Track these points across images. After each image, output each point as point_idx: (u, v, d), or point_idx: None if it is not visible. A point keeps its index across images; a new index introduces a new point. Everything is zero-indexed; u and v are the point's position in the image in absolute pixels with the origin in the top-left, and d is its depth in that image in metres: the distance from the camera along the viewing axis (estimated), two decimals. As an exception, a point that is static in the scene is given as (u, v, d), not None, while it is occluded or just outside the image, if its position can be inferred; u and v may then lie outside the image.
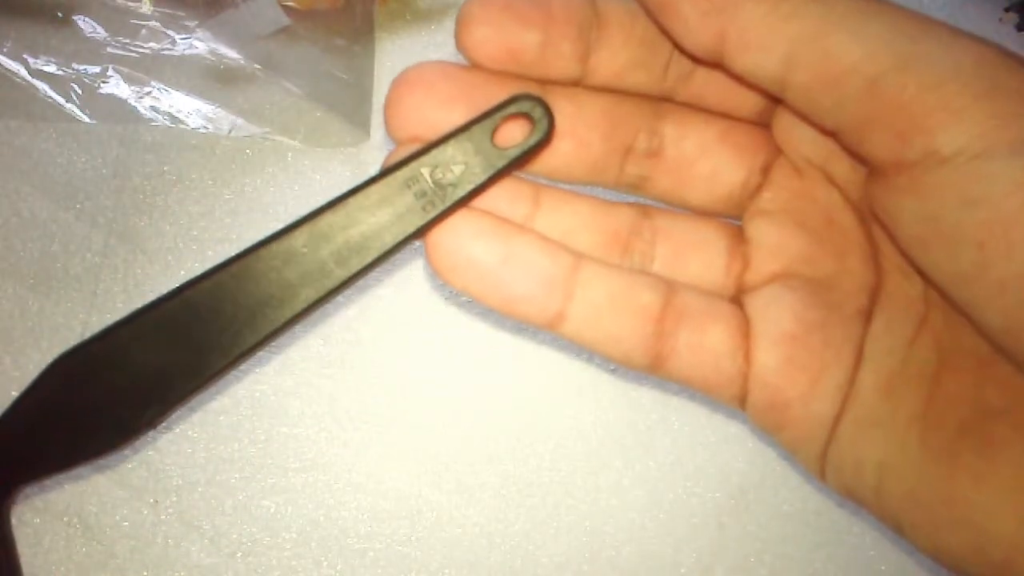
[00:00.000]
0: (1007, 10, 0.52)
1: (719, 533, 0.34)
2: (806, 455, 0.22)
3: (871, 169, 0.19)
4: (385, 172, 0.20)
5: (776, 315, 0.21)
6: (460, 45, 0.20)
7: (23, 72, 0.36)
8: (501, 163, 0.20)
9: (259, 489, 0.32)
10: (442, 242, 0.21)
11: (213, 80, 0.38)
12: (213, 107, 0.37)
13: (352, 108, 0.40)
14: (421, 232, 0.20)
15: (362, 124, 0.40)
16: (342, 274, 0.21)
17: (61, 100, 0.36)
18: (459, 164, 0.20)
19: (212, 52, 0.38)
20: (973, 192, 0.17)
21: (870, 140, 0.18)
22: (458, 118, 0.20)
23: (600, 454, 0.34)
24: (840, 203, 0.22)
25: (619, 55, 0.21)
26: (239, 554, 0.31)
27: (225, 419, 0.32)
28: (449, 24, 0.44)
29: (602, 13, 0.21)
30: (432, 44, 0.43)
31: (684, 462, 0.35)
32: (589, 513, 0.33)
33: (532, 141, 0.20)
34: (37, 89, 0.36)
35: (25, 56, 0.36)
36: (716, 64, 0.20)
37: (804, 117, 0.20)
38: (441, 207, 0.20)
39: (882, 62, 0.17)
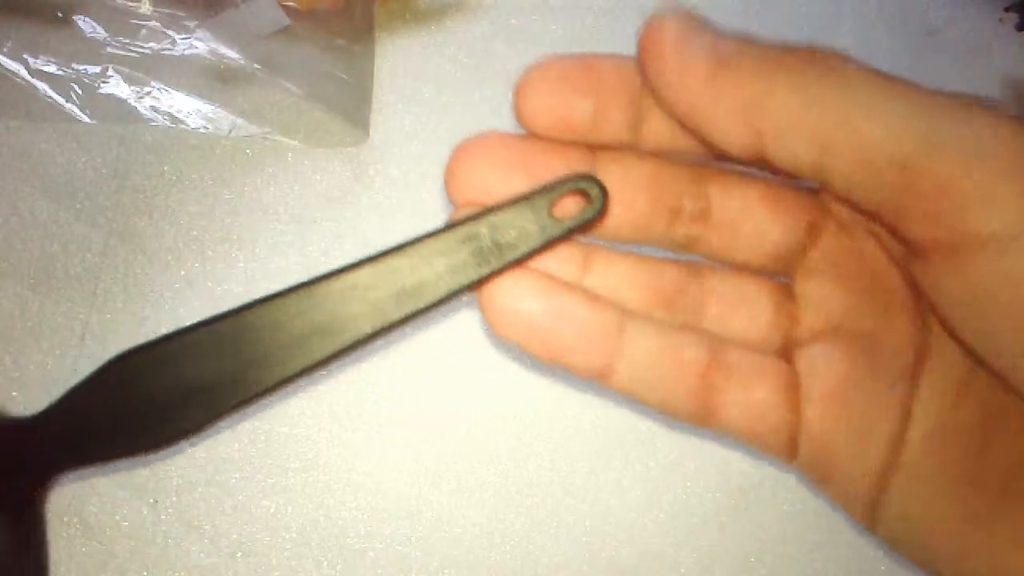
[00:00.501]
0: (1007, 10, 0.52)
1: (719, 533, 0.34)
2: (855, 509, 0.22)
3: (910, 248, 0.20)
4: (447, 227, 0.22)
5: (824, 372, 0.22)
6: (518, 115, 0.22)
7: (23, 72, 0.36)
8: (556, 232, 0.22)
9: (259, 489, 0.32)
10: (496, 296, 0.22)
11: (213, 80, 0.38)
12: (213, 107, 0.37)
13: (352, 108, 0.40)
14: (475, 285, 0.22)
15: (362, 124, 0.40)
16: (397, 314, 0.22)
17: (61, 100, 0.36)
18: (517, 228, 0.22)
19: (212, 52, 0.38)
20: (1010, 272, 0.17)
21: (906, 222, 0.19)
22: (515, 186, 0.22)
23: (600, 454, 0.34)
24: (887, 262, 0.22)
25: (668, 122, 0.22)
26: (239, 554, 0.31)
27: (225, 419, 0.32)
28: (449, 24, 0.44)
29: None
30: (432, 44, 0.43)
31: (684, 462, 0.35)
32: (589, 513, 0.33)
33: (587, 216, 0.22)
34: (37, 89, 0.36)
35: (25, 56, 0.36)
36: (757, 160, 0.20)
37: (845, 201, 0.20)
38: (496, 265, 0.22)
39: (908, 144, 0.18)
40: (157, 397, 0.23)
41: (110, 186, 0.36)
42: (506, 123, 0.46)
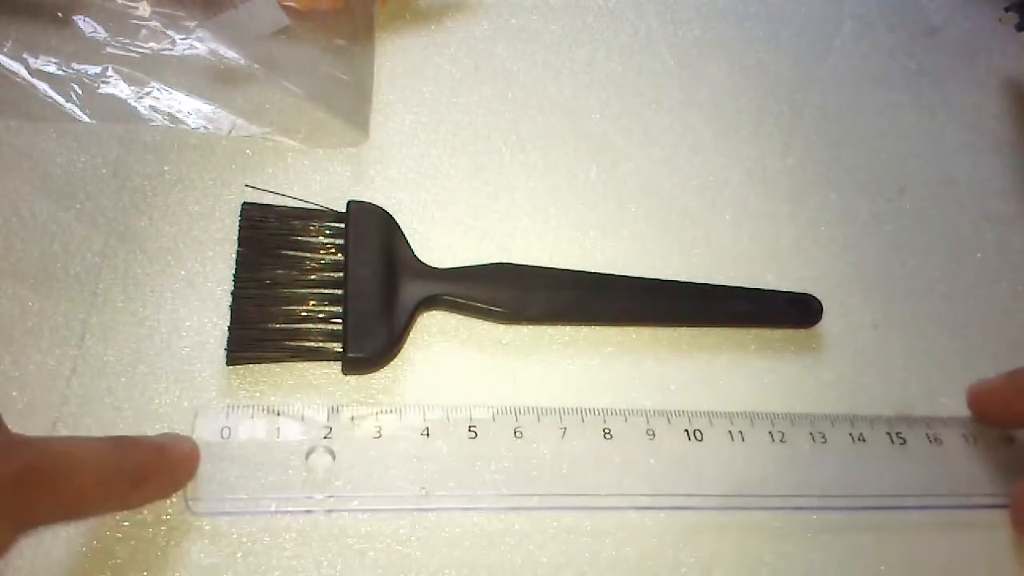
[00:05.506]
0: (1007, 10, 0.52)
1: (719, 533, 0.34)
2: None
3: None
4: None
5: None
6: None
7: (23, 72, 0.36)
8: None
9: (259, 489, 0.32)
10: None
11: (213, 80, 0.38)
12: (213, 107, 0.37)
13: (352, 108, 0.40)
14: None
15: (361, 124, 0.40)
16: None
17: (61, 100, 0.36)
18: None
19: (212, 52, 0.38)
20: None
21: None
22: None
23: (600, 454, 0.34)
24: None
25: None
26: (239, 554, 0.31)
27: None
28: (449, 24, 0.44)
29: None
30: (432, 44, 0.43)
31: (684, 462, 0.35)
32: (589, 513, 0.33)
33: None
34: (37, 89, 0.36)
35: (25, 56, 0.36)
36: None
37: None
38: None
39: None
40: (508, 292, 0.36)
41: (110, 186, 0.36)
42: (504, 123, 0.46)
